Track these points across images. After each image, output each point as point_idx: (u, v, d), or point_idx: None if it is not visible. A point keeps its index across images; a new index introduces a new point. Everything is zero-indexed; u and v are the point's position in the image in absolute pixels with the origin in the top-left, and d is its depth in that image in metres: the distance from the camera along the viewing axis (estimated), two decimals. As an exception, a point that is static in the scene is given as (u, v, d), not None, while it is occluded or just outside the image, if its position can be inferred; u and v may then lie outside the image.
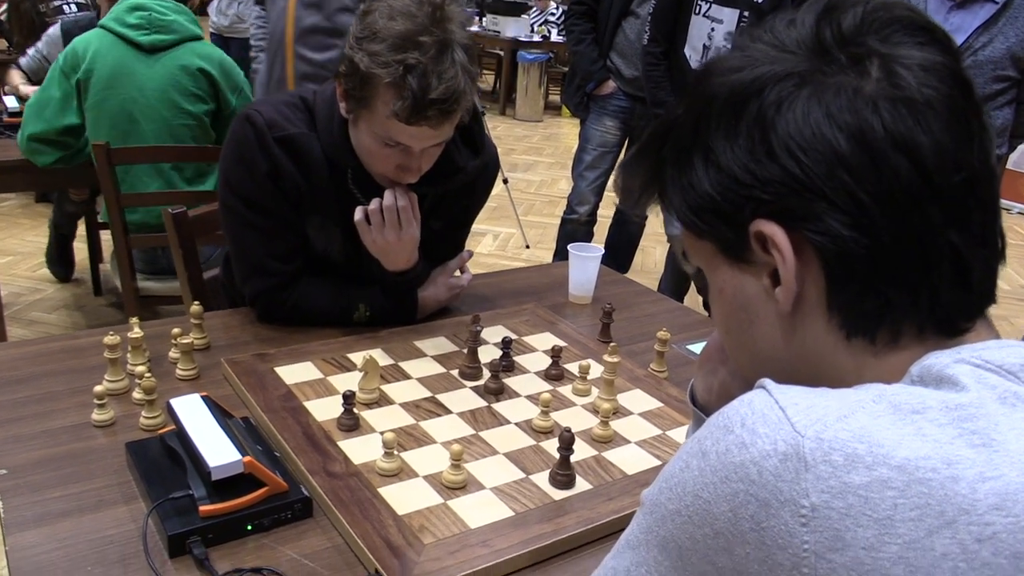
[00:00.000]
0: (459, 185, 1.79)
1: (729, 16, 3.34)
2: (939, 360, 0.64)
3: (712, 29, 3.39)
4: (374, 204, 1.66)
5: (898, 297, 0.66)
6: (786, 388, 0.62)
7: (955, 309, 0.67)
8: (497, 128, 8.98)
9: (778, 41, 0.69)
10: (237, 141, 1.68)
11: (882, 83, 0.64)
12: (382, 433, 1.29)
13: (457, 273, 1.88)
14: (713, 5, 3.37)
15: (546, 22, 10.26)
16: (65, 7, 5.00)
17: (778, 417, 0.59)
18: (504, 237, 5.59)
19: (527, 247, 5.42)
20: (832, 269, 0.66)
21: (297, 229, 1.75)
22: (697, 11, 3.41)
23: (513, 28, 9.38)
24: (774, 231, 0.66)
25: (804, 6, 0.71)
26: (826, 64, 0.66)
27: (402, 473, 1.26)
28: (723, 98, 0.69)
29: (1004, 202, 7.36)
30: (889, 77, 0.64)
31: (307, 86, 1.88)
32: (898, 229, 0.64)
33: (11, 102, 3.42)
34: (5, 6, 5.39)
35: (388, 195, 1.66)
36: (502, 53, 10.02)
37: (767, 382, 0.64)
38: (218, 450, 1.15)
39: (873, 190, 0.63)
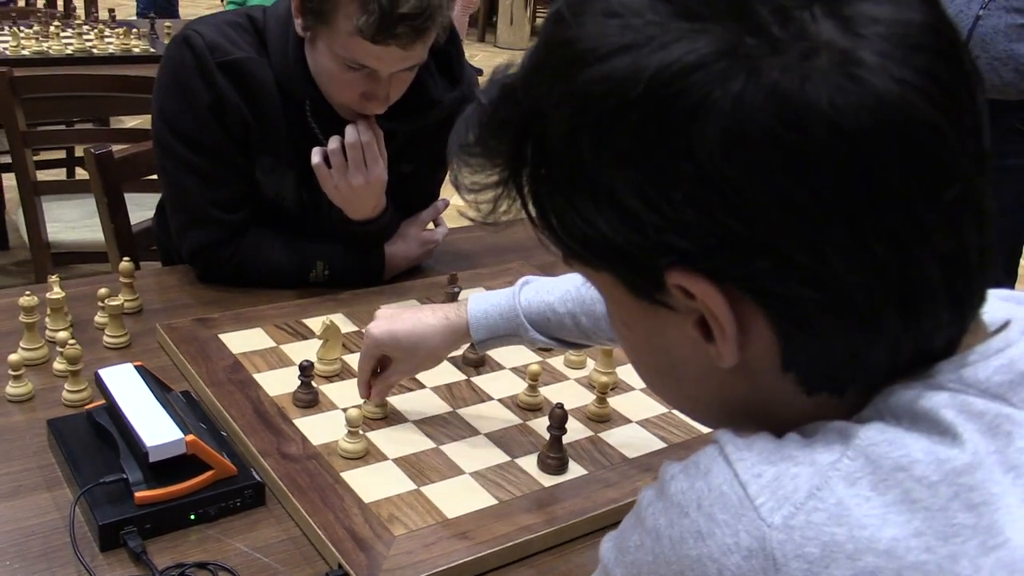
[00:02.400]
0: (434, 121, 1.77)
1: None
2: (909, 390, 0.59)
3: None
4: (333, 143, 1.66)
5: (874, 353, 0.59)
6: (746, 449, 0.58)
7: (949, 334, 0.60)
8: (475, 57, 8.94)
9: None
10: (174, 67, 1.68)
11: (838, 74, 0.52)
12: (345, 410, 1.31)
13: (431, 226, 1.89)
14: None
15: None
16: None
17: (739, 499, 0.55)
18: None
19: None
20: (785, 329, 0.58)
21: (244, 173, 1.74)
22: None
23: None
24: (701, 287, 0.57)
25: None
26: (755, 35, 0.53)
27: (368, 456, 1.29)
28: (608, 102, 0.55)
29: None
30: (846, 61, 0.52)
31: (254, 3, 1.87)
32: (872, 276, 0.55)
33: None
34: None
35: (350, 131, 1.65)
36: (481, -32, 9.96)
37: (724, 440, 0.60)
38: (156, 428, 1.17)
39: (832, 234, 0.54)
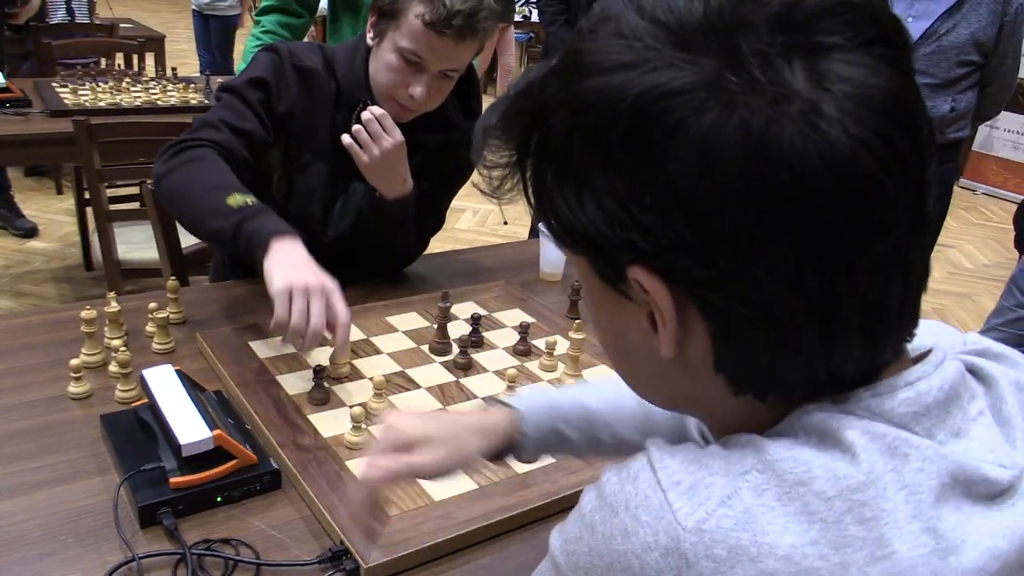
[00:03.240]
0: (452, 142, 1.82)
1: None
2: (821, 410, 0.57)
3: None
4: (356, 126, 1.67)
5: (791, 371, 0.56)
6: (670, 458, 0.56)
7: (860, 367, 0.57)
8: (478, 106, 8.93)
9: (677, 23, 0.53)
10: (255, 59, 1.73)
11: (801, 121, 0.49)
12: (351, 407, 1.28)
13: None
14: None
15: (527, 2, 10.19)
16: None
17: (660, 503, 0.54)
18: (483, 213, 5.57)
19: (505, 223, 5.41)
20: (717, 334, 0.56)
21: (260, 135, 1.68)
22: None
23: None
24: (653, 285, 0.55)
25: None
26: (736, 73, 0.51)
27: (369, 447, 1.25)
28: (601, 112, 0.54)
29: (968, 182, 7.41)
30: (811, 111, 0.50)
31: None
32: (797, 305, 0.53)
33: (-3, 77, 3.37)
34: None
35: (365, 113, 1.67)
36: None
37: (652, 449, 0.58)
38: (189, 425, 1.14)
39: (770, 260, 0.52)
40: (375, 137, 1.66)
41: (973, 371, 0.63)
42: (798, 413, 0.58)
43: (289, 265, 1.36)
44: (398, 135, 1.67)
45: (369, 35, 1.70)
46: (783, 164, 0.49)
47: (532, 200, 0.63)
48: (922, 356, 0.61)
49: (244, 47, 2.96)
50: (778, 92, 0.50)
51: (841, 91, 0.50)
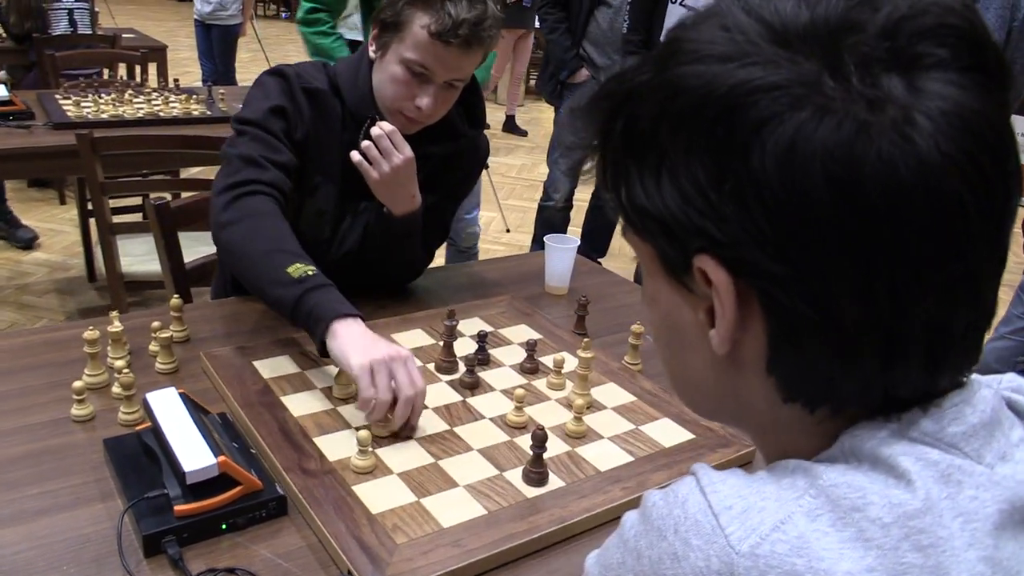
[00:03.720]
0: (457, 152, 1.82)
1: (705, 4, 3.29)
2: (873, 436, 0.55)
3: None
4: (365, 143, 1.65)
5: (847, 383, 0.55)
6: (720, 482, 0.55)
7: (917, 389, 0.56)
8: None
9: (781, 24, 0.53)
10: (261, 84, 1.71)
11: (893, 131, 0.49)
12: (357, 430, 1.26)
13: None
14: None
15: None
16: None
17: (711, 527, 0.52)
18: (486, 221, 5.55)
19: (507, 231, 5.39)
20: (778, 337, 0.55)
21: (289, 161, 1.65)
22: (673, 0, 3.37)
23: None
24: (719, 276, 0.55)
25: None
26: (835, 78, 0.50)
27: (376, 470, 1.23)
28: (693, 97, 0.54)
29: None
30: (904, 122, 0.49)
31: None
32: (863, 315, 0.52)
33: (0, 91, 3.35)
34: None
35: (374, 128, 1.65)
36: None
37: (700, 471, 0.57)
38: (193, 451, 1.12)
39: (842, 266, 0.51)
40: (385, 153, 1.64)
41: (1009, 405, 0.62)
42: (847, 438, 0.57)
43: (361, 344, 1.35)
44: (408, 151, 1.66)
45: (371, 48, 1.68)
46: (869, 171, 0.49)
47: (609, 182, 0.62)
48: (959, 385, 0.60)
49: (310, 46, 3.00)
50: (873, 100, 0.49)
51: (937, 107, 0.49)
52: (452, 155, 1.82)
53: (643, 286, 0.66)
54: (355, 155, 1.65)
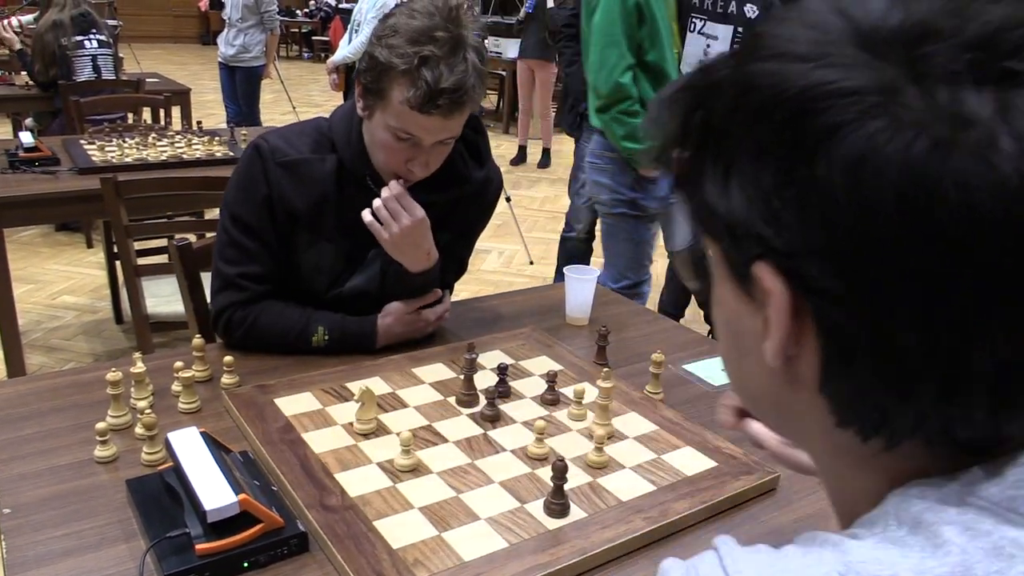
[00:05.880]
0: (465, 195, 1.82)
1: (724, 33, 3.30)
2: (924, 497, 0.51)
3: (708, 46, 3.36)
4: (376, 202, 1.66)
5: (900, 415, 0.51)
6: (743, 561, 0.51)
7: (980, 433, 0.51)
8: (501, 146, 8.97)
9: (870, 24, 0.49)
10: (244, 167, 1.73)
11: (973, 152, 0.45)
12: (399, 434, 1.34)
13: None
14: (707, 22, 3.34)
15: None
16: (86, 42, 5.05)
17: None
18: (509, 254, 5.57)
19: (531, 263, 5.39)
20: (828, 355, 0.52)
21: (278, 257, 1.75)
22: (692, 28, 3.38)
23: (514, 49, 9.37)
24: (774, 285, 0.52)
25: None
26: (917, 88, 0.46)
27: (397, 505, 1.23)
28: (765, 95, 0.51)
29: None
30: (986, 142, 0.45)
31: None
32: (921, 345, 0.48)
33: (26, 138, 3.41)
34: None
35: (384, 190, 1.66)
36: (504, 73, 10.01)
37: (723, 548, 0.53)
38: (214, 491, 1.12)
39: (908, 292, 0.47)
40: (395, 215, 1.65)
41: None
42: (895, 497, 0.52)
43: (398, 323, 1.77)
44: (419, 212, 1.67)
45: (359, 106, 1.67)
46: (943, 193, 0.45)
47: (682, 177, 0.59)
48: None
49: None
50: (956, 116, 0.45)
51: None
52: (459, 199, 1.82)
53: (713, 289, 0.64)
54: (366, 216, 1.67)
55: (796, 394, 0.56)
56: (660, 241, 3.33)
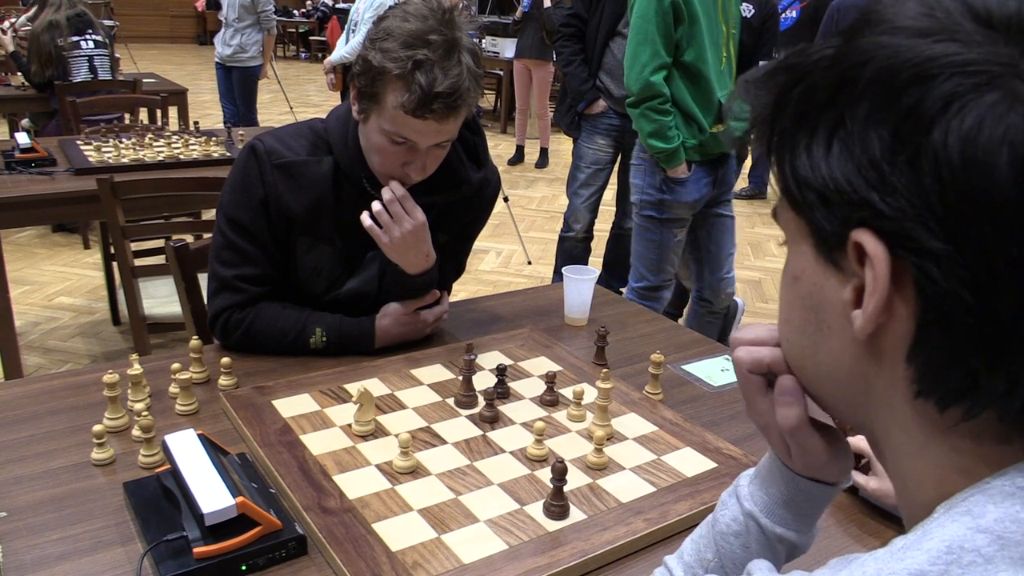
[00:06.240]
0: (464, 197, 1.80)
1: None
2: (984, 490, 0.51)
3: None
4: (376, 206, 1.65)
5: (992, 385, 0.51)
6: None
7: None
8: (499, 146, 8.97)
9: (986, 9, 0.52)
10: (240, 169, 1.71)
11: None
12: (398, 435, 1.32)
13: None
14: None
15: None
16: (83, 43, 5.03)
17: None
18: (507, 254, 5.56)
19: (529, 263, 5.39)
20: (926, 322, 0.53)
21: (275, 259, 1.74)
22: None
23: (511, 49, 9.36)
24: (877, 251, 0.52)
25: None
26: None
27: (396, 507, 1.23)
28: (883, 66, 0.52)
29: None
30: None
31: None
32: (1021, 307, 0.49)
33: (23, 138, 3.40)
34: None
35: (385, 192, 1.65)
36: (501, 73, 10.00)
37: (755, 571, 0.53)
38: (211, 493, 1.12)
39: (1014, 255, 0.48)
40: (396, 218, 1.65)
41: None
42: (943, 507, 0.53)
43: (396, 324, 1.76)
44: (420, 216, 1.66)
45: (355, 108, 1.65)
46: None
47: (772, 155, 0.61)
48: None
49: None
50: None
51: None
52: (457, 201, 1.81)
53: (786, 265, 0.65)
54: (366, 219, 1.66)
55: (876, 367, 0.57)
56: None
